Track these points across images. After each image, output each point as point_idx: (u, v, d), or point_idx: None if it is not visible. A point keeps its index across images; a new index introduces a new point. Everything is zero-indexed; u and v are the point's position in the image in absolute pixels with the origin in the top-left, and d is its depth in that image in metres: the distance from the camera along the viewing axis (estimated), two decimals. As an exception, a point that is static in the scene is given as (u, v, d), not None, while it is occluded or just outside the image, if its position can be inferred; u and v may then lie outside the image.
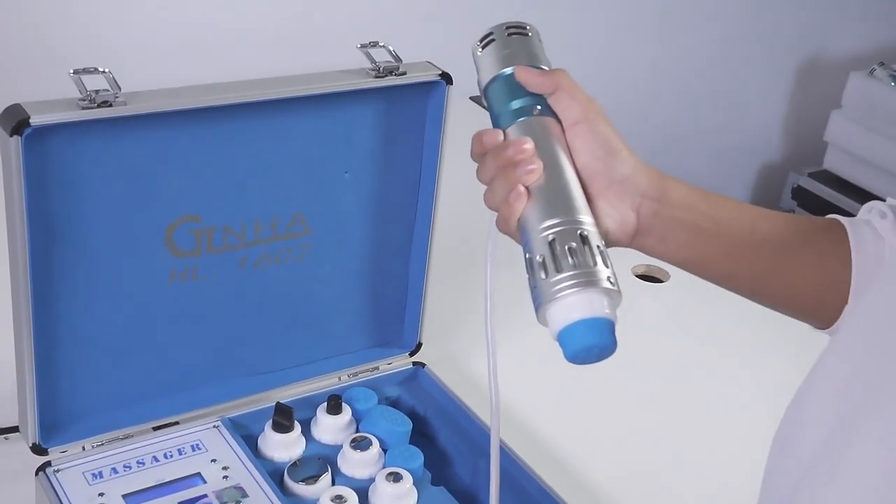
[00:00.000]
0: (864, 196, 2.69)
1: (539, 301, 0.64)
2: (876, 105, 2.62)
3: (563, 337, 0.63)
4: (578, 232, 0.65)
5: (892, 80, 2.61)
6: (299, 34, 1.94)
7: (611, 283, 0.63)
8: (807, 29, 2.77)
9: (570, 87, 0.71)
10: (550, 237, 0.65)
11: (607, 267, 0.64)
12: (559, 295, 0.62)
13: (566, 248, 0.64)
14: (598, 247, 0.64)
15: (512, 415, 1.09)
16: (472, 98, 1.87)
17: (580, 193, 0.68)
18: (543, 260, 0.64)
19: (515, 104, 0.71)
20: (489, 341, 0.70)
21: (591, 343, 0.62)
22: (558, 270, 0.63)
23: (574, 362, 0.63)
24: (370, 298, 1.05)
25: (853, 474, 0.57)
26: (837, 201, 2.72)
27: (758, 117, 2.84)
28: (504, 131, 0.71)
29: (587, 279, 0.62)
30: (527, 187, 0.67)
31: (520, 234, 0.68)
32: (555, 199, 0.67)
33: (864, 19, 2.86)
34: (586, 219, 0.66)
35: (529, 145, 0.68)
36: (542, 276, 0.63)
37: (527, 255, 0.66)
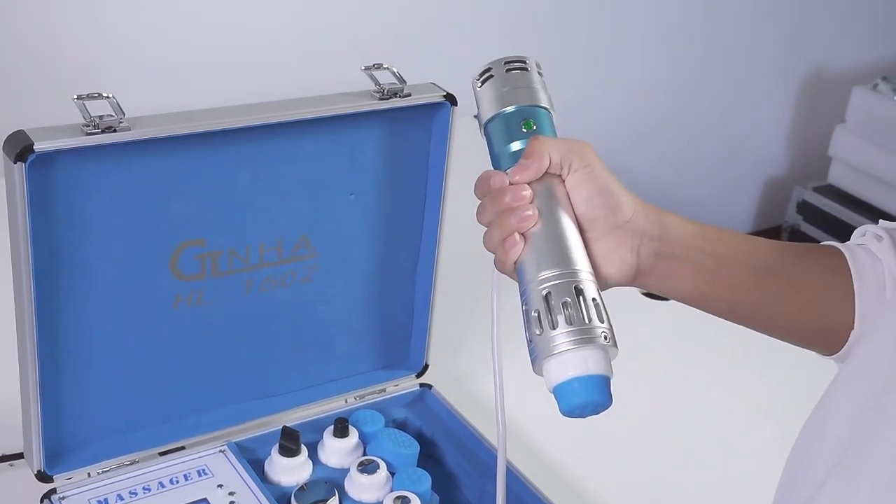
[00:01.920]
0: (868, 210, 2.69)
1: (535, 355, 0.64)
2: (879, 119, 2.63)
3: (559, 393, 0.63)
4: (573, 286, 0.64)
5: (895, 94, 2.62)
6: (303, 55, 1.95)
7: (605, 339, 0.63)
8: (810, 44, 2.77)
9: (556, 147, 0.69)
10: (545, 291, 0.64)
11: (602, 321, 0.64)
12: (554, 352, 0.62)
13: (561, 303, 0.63)
14: (593, 300, 0.64)
15: (519, 436, 1.08)
16: (476, 116, 1.87)
17: (577, 242, 0.67)
18: (538, 315, 0.64)
19: (515, 146, 0.71)
20: (496, 371, 0.71)
21: (586, 400, 0.63)
22: (553, 327, 0.63)
23: (570, 416, 0.64)
24: (376, 320, 1.05)
25: (865, 491, 0.57)
26: (842, 215, 2.72)
27: (762, 132, 2.84)
28: (506, 174, 0.70)
29: (582, 336, 0.62)
30: (523, 234, 0.67)
31: (517, 277, 0.68)
32: (551, 249, 0.66)
33: (867, 34, 2.86)
34: (583, 269, 0.66)
35: (527, 192, 0.68)
36: (538, 331, 0.64)
37: (524, 307, 0.65)
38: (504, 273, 0.70)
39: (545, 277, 0.65)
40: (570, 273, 0.65)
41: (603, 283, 0.69)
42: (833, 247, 0.73)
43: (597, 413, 0.64)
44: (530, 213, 0.67)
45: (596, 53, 2.38)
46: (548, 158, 0.68)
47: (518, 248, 0.67)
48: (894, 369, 0.59)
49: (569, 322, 0.63)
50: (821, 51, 2.80)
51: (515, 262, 0.67)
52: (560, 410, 0.63)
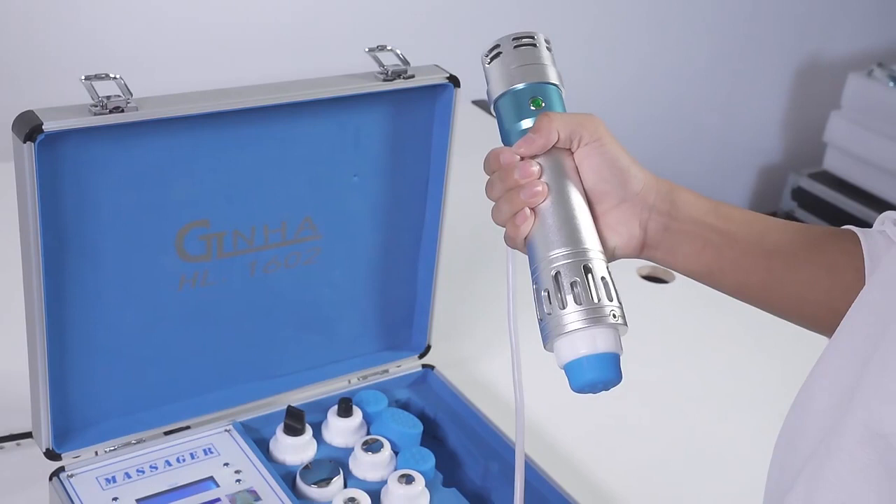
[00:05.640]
0: (863, 197, 2.70)
1: (545, 333, 0.65)
2: (875, 105, 2.63)
3: (569, 371, 0.64)
4: (582, 265, 0.65)
5: (891, 80, 2.62)
6: (307, 38, 1.95)
7: (615, 317, 0.64)
8: (805, 30, 2.78)
9: (564, 123, 0.69)
10: (554, 271, 0.65)
11: (611, 300, 0.64)
12: (564, 332, 0.63)
13: (570, 283, 0.64)
14: (602, 279, 0.65)
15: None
16: (474, 102, 1.88)
17: (587, 219, 0.68)
18: (549, 294, 0.65)
19: (524, 124, 0.71)
20: (514, 350, 0.73)
21: (596, 378, 0.64)
22: (562, 306, 0.64)
23: (580, 392, 0.65)
24: (379, 301, 1.06)
25: (838, 468, 0.57)
26: (837, 202, 2.73)
27: (757, 119, 2.85)
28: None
29: (591, 316, 0.63)
30: (533, 209, 0.68)
31: (527, 253, 0.69)
32: (560, 227, 0.67)
33: (863, 20, 2.87)
34: (592, 247, 0.66)
35: (535, 168, 0.68)
36: (548, 310, 0.64)
37: (534, 286, 0.66)
38: (514, 248, 0.70)
39: (554, 256, 0.66)
40: (579, 252, 0.66)
41: (610, 255, 0.69)
42: (849, 230, 0.72)
43: (607, 389, 0.65)
44: (539, 188, 0.68)
45: (589, 43, 2.38)
46: (556, 134, 0.69)
47: (528, 224, 0.68)
48: (866, 350, 0.59)
49: (577, 302, 0.64)
50: (816, 37, 2.81)
51: (525, 238, 0.68)
52: (571, 387, 0.65)
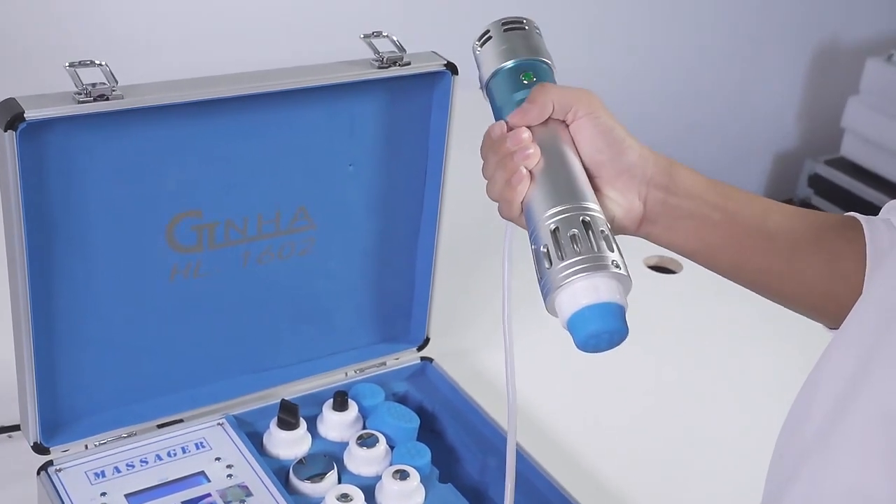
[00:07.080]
0: (881, 184, 2.66)
1: (546, 290, 0.63)
2: (894, 91, 2.60)
3: (572, 324, 0.62)
4: (581, 218, 0.64)
5: (910, 65, 2.58)
6: (301, 25, 1.93)
7: (616, 266, 0.62)
8: (823, 14, 2.74)
9: (559, 94, 0.69)
10: (553, 226, 0.64)
11: (612, 251, 0.63)
12: (564, 282, 0.61)
13: (569, 235, 0.63)
14: (602, 231, 0.64)
15: (520, 409, 1.07)
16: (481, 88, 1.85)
17: (583, 179, 0.67)
18: (547, 249, 0.63)
19: (517, 96, 0.71)
20: (507, 342, 0.71)
21: (600, 328, 0.61)
22: (562, 258, 0.62)
23: (585, 350, 0.62)
24: (376, 293, 1.04)
25: (847, 452, 0.56)
26: (854, 188, 2.69)
27: (774, 104, 2.81)
28: (507, 122, 0.70)
29: (591, 264, 0.62)
30: (530, 172, 0.67)
31: (525, 220, 0.67)
32: (555, 186, 0.66)
33: (882, 3, 2.82)
34: (590, 204, 0.65)
35: (527, 134, 0.68)
36: (547, 265, 0.63)
37: (533, 247, 0.65)
38: (510, 219, 0.69)
39: (552, 213, 0.65)
40: (577, 207, 0.65)
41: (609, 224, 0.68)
42: (852, 217, 0.71)
43: (613, 345, 0.62)
44: (532, 150, 0.67)
45: (604, 29, 2.35)
46: (551, 105, 0.68)
47: (525, 184, 0.66)
48: (876, 339, 0.58)
49: (577, 252, 0.62)
50: (834, 21, 2.77)
51: (522, 203, 0.67)
52: (575, 344, 0.62)
